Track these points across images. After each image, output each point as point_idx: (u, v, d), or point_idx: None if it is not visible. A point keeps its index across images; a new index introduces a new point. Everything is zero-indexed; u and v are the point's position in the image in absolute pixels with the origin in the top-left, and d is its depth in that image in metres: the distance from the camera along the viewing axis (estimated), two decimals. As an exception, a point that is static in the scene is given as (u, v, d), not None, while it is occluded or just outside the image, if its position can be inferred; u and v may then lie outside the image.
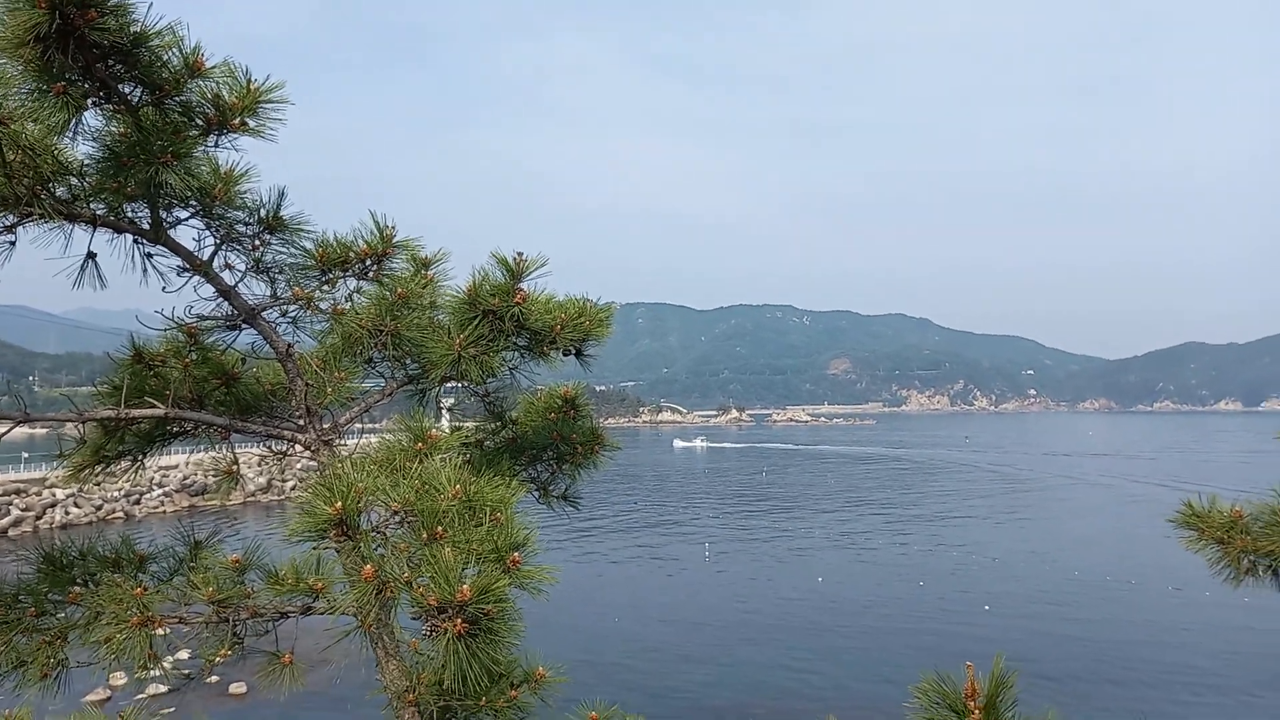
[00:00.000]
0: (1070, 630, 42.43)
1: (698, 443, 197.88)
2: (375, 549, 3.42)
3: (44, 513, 70.81)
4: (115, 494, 75.74)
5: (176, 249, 4.30)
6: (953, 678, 2.56)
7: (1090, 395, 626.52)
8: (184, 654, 4.81)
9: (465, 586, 2.75)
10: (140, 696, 27.12)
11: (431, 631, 2.80)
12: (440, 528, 3.14)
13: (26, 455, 71.62)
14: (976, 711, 2.46)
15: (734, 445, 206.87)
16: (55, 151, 3.68)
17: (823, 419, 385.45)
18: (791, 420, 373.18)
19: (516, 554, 3.01)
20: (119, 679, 28.56)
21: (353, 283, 4.89)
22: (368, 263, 4.85)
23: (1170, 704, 32.64)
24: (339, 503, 3.23)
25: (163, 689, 28.87)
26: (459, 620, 2.75)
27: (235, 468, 4.88)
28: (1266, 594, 4.60)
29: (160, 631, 4.01)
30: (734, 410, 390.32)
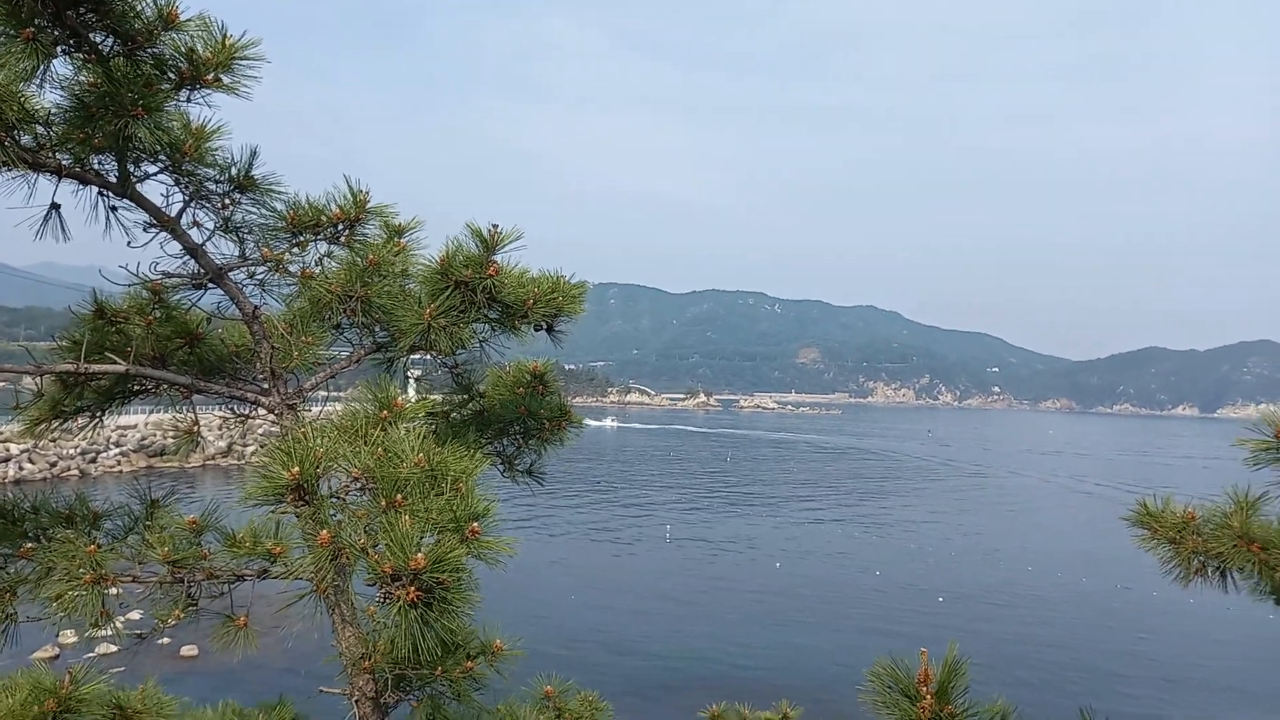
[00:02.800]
0: (1021, 622, 43.26)
1: (608, 422, 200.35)
2: (333, 515, 3.41)
3: (-3, 467, 69.70)
4: (71, 451, 74.63)
5: (143, 204, 4.23)
6: (906, 663, 2.60)
7: (1052, 395, 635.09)
8: (136, 614, 4.77)
9: (420, 554, 2.75)
10: (90, 655, 26.69)
11: (385, 598, 2.80)
12: (400, 495, 3.13)
13: (-19, 408, 70.44)
14: (929, 697, 2.50)
15: (643, 426, 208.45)
16: (21, 99, 3.59)
17: (789, 407, 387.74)
18: (759, 407, 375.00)
19: (476, 524, 3.01)
20: (68, 637, 28.26)
21: (324, 247, 4.83)
22: (340, 227, 4.79)
23: (1115, 694, 33.43)
24: (297, 467, 3.20)
25: (113, 649, 28.32)
26: (412, 588, 2.74)
27: (196, 429, 4.83)
28: (1213, 594, 4.71)
29: (113, 590, 3.97)
30: (702, 395, 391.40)
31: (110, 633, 4.16)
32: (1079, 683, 34.64)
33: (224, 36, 3.80)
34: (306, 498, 3.26)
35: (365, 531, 3.11)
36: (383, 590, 2.82)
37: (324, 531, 3.11)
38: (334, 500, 3.51)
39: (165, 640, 30.00)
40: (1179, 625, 43.27)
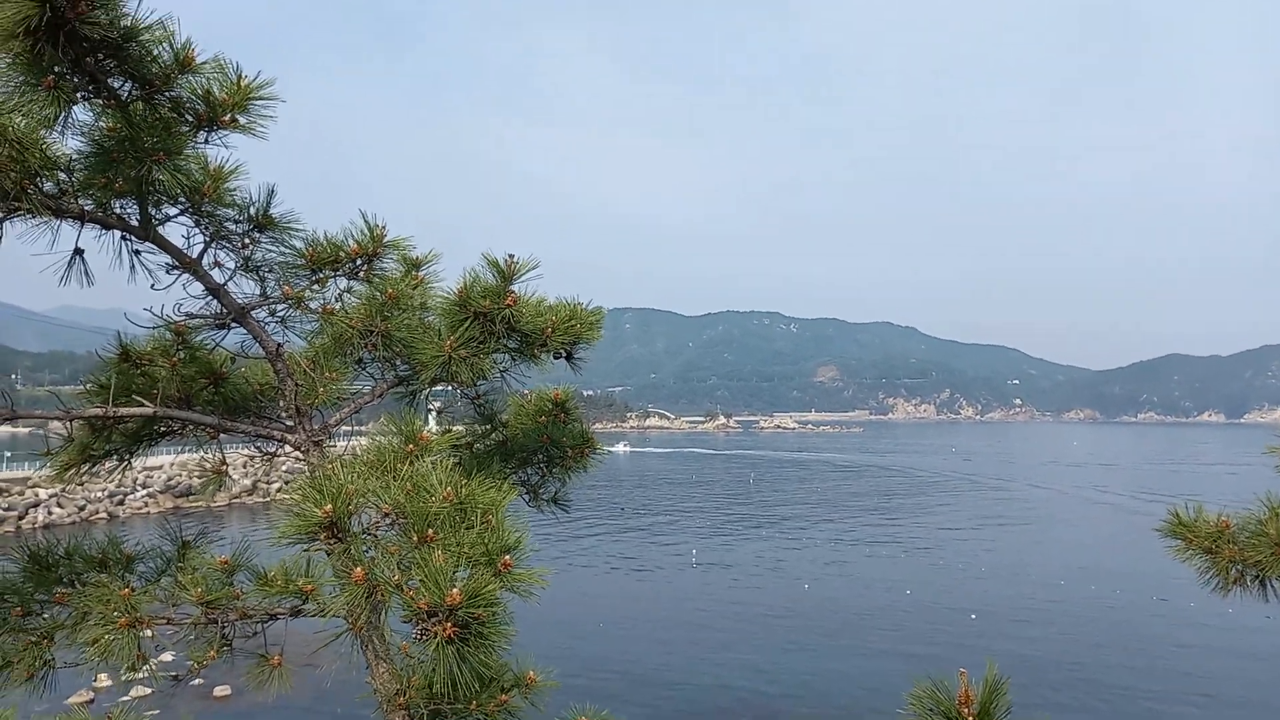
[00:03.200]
0: (1056, 639, 42.59)
1: (620, 448, 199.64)
2: (365, 552, 3.39)
3: (26, 513, 70.17)
4: (99, 494, 75.17)
5: (165, 246, 4.26)
6: (946, 684, 2.55)
7: (1075, 405, 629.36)
8: (168, 655, 4.76)
9: (455, 590, 2.73)
10: (125, 699, 26.88)
11: (422, 635, 2.78)
12: (431, 530, 3.11)
13: (9, 454, 71.03)
14: (971, 718, 2.45)
15: (657, 450, 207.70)
16: (43, 146, 3.64)
17: (810, 426, 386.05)
18: (779, 427, 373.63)
19: (508, 557, 2.98)
20: (103, 681, 28.34)
21: (343, 282, 4.86)
22: (358, 262, 4.81)
23: (1155, 712, 32.79)
24: (330, 504, 3.20)
25: (147, 691, 28.62)
26: (449, 624, 2.72)
27: (223, 468, 4.84)
28: (1251, 604, 4.61)
29: (147, 633, 3.96)
30: (721, 417, 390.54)
31: (145, 675, 4.15)
32: (1118, 701, 34.03)
33: (239, 77, 3.85)
34: (339, 535, 3.24)
35: (399, 567, 3.09)
36: (419, 627, 2.79)
37: (358, 569, 3.09)
38: (366, 537, 3.50)
39: (199, 681, 30.00)
40: (1218, 638, 42.48)
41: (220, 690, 30.77)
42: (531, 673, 4.38)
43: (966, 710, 2.44)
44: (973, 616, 46.58)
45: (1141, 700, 34.05)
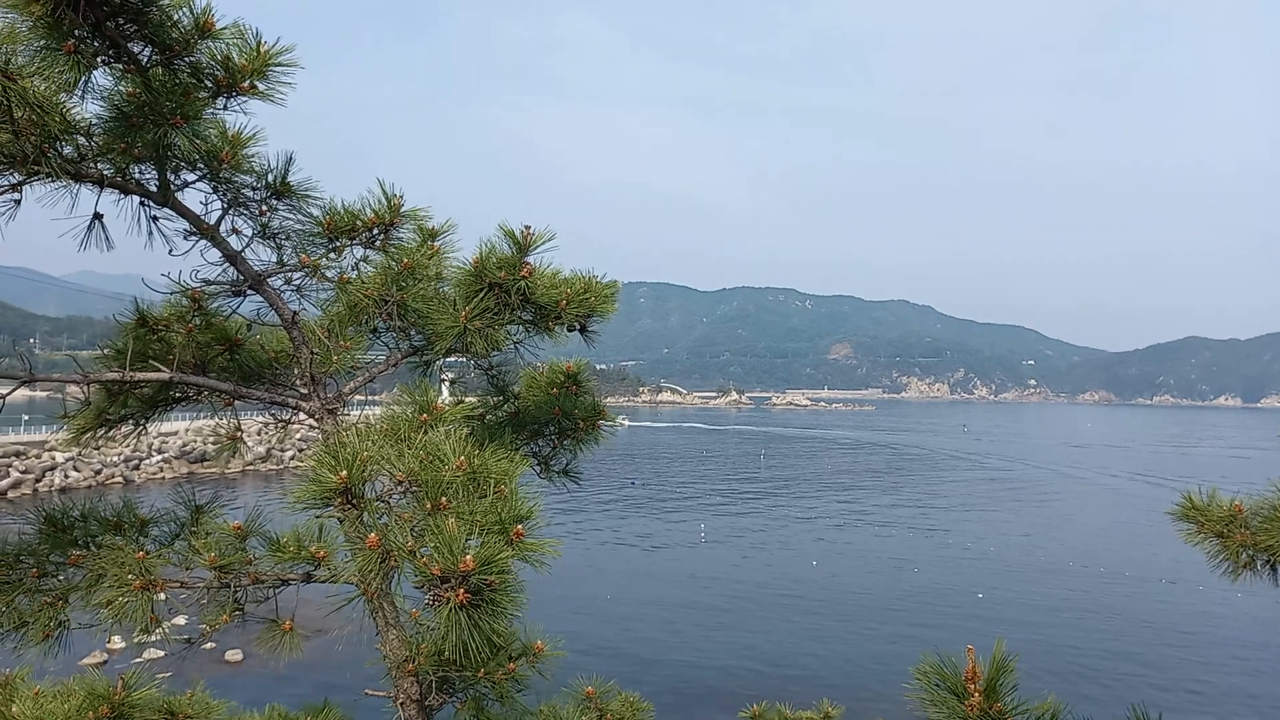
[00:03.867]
0: (1064, 617, 42.69)
1: (620, 421, 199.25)
2: (379, 518, 3.42)
3: (43, 475, 71.09)
4: (115, 459, 76.01)
5: (183, 212, 4.27)
6: (953, 660, 2.56)
7: (1090, 387, 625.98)
8: (181, 619, 4.82)
9: (469, 557, 2.75)
10: (137, 661, 27.23)
11: (434, 601, 2.80)
12: (444, 498, 3.13)
13: (26, 418, 71.78)
14: (977, 694, 2.46)
15: (653, 425, 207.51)
16: (63, 110, 3.64)
17: (822, 404, 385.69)
18: (791, 404, 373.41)
19: (520, 526, 3.00)
20: (116, 643, 28.77)
21: (359, 251, 4.86)
22: (375, 231, 4.81)
23: (1165, 691, 32.87)
24: (345, 471, 3.22)
25: (159, 654, 29.04)
26: (462, 590, 2.74)
27: (238, 434, 4.87)
28: (1262, 588, 4.61)
29: (160, 596, 4.01)
30: (734, 392, 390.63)
31: (158, 638, 4.21)
32: (1127, 679, 34.12)
33: (259, 43, 3.84)
34: (354, 501, 3.27)
35: (412, 535, 3.11)
36: (431, 593, 2.82)
37: (372, 535, 3.12)
38: (380, 504, 3.52)
39: (210, 645, 30.40)
40: (1227, 619, 42.46)
41: (232, 654, 31.22)
42: (539, 642, 4.43)
43: (973, 686, 2.45)
44: (979, 596, 46.71)
45: (1145, 682, 34.13)
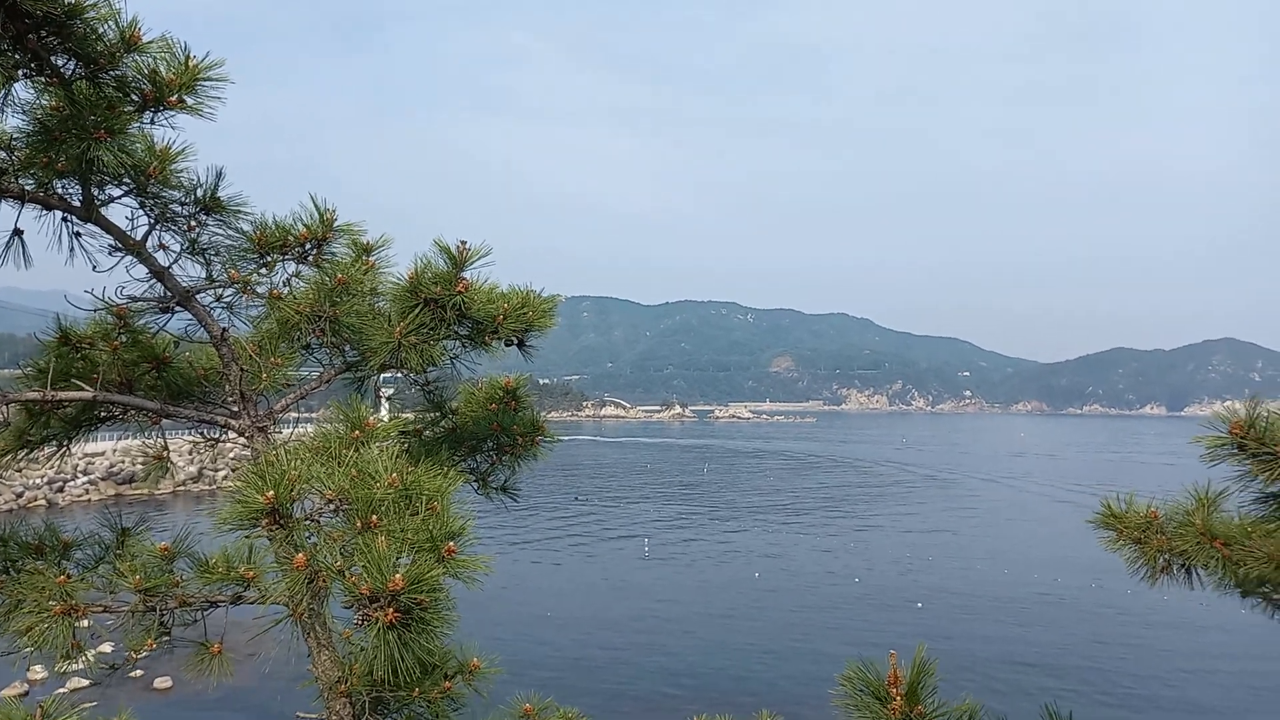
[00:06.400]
0: (1000, 625, 43.58)
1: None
2: (308, 538, 3.38)
3: (-39, 499, 68.34)
4: (37, 481, 73.35)
5: (108, 228, 4.19)
6: (876, 665, 2.63)
7: (1023, 397, 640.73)
8: (107, 646, 4.70)
9: (398, 575, 2.74)
10: (61, 691, 26.24)
11: (363, 621, 2.78)
12: (375, 516, 3.11)
13: (-56, 439, 69.02)
14: (899, 698, 2.52)
15: (597, 439, 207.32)
16: (-19, 123, 3.56)
17: (764, 416, 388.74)
18: (734, 417, 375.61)
19: (451, 543, 3.00)
20: (38, 673, 27.74)
21: (291, 267, 4.81)
22: (307, 246, 4.77)
23: (1085, 691, 33.76)
24: (271, 491, 3.18)
25: (84, 683, 27.98)
26: (391, 609, 2.73)
27: (165, 454, 4.77)
28: (1180, 591, 4.78)
29: (84, 623, 3.91)
30: (677, 406, 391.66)
31: (82, 666, 4.10)
32: (1052, 683, 34.94)
33: (187, 58, 3.78)
34: (281, 521, 3.23)
35: (341, 554, 3.09)
36: (360, 612, 2.80)
37: (299, 555, 3.09)
38: (309, 523, 3.48)
39: (138, 673, 29.51)
40: (1153, 622, 43.75)
41: (161, 682, 30.25)
42: (476, 660, 4.40)
43: (895, 690, 2.52)
44: (919, 605, 47.42)
45: (1074, 681, 35.03)
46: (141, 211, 4.37)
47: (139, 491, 76.00)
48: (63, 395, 4.25)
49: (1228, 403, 4.52)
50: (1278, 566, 3.96)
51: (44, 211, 4.01)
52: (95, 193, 4.10)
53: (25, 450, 4.70)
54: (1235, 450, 4.20)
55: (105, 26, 3.49)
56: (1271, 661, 35.92)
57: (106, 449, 78.48)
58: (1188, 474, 4.59)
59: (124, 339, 4.60)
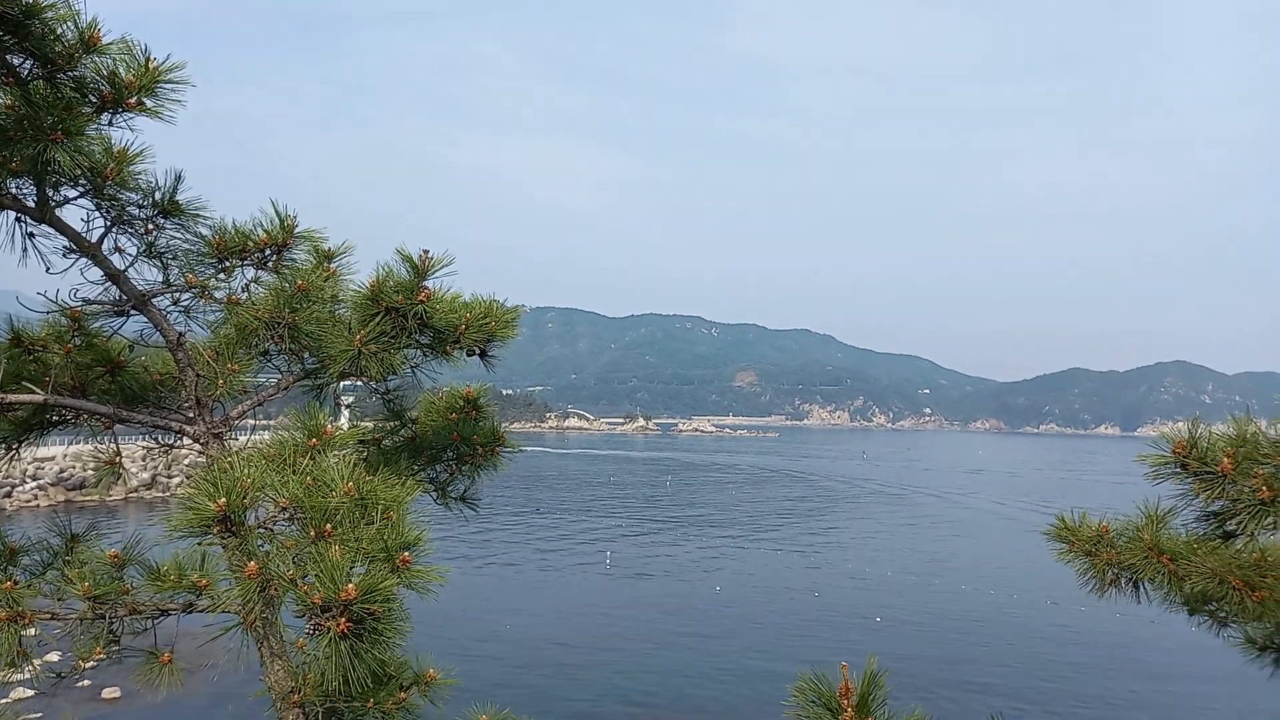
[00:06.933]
0: (956, 639, 44.03)
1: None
2: (261, 546, 3.34)
3: (-96, 503, 66.48)
4: (-15, 485, 71.60)
5: (63, 229, 4.13)
6: (828, 677, 2.66)
7: (982, 415, 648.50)
8: (54, 655, 4.60)
9: (351, 585, 2.72)
10: (4, 700, 25.67)
11: (315, 631, 2.76)
12: (329, 525, 3.09)
13: (-113, 442, 67.15)
14: (849, 709, 2.55)
15: (559, 450, 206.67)
16: (-67, 121, 3.50)
17: (727, 430, 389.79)
18: (697, 430, 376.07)
19: (406, 554, 2.98)
20: (-19, 681, 27.01)
21: (251, 272, 4.76)
22: (267, 252, 4.72)
23: (1031, 710, 34.18)
24: (223, 498, 3.14)
25: (29, 692, 27.38)
26: (343, 619, 2.71)
27: (118, 460, 4.70)
28: (1136, 606, 4.88)
29: (30, 631, 3.83)
30: (640, 419, 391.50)
31: (27, 675, 4.01)
32: (1002, 700, 35.38)
33: (147, 60, 3.75)
34: (233, 529, 3.19)
35: (294, 562, 3.06)
36: (312, 622, 2.77)
37: (251, 563, 3.05)
38: (262, 531, 3.44)
39: (86, 682, 28.87)
40: (1104, 642, 44.41)
41: (109, 692, 29.62)
42: (431, 670, 4.37)
43: (846, 702, 2.55)
44: (878, 619, 47.76)
45: (1023, 699, 35.45)
46: (98, 213, 4.30)
47: (90, 498, 74.43)
48: (13, 397, 4.18)
49: (1178, 423, 4.65)
50: (1220, 582, 4.06)
51: (-3, 211, 3.94)
52: (50, 193, 4.03)
53: (-28, 453, 4.61)
54: (1178, 469, 4.32)
55: (64, 27, 3.45)
56: (1219, 683, 36.57)
57: (57, 454, 76.83)
58: (1139, 492, 4.69)
59: (78, 342, 4.53)
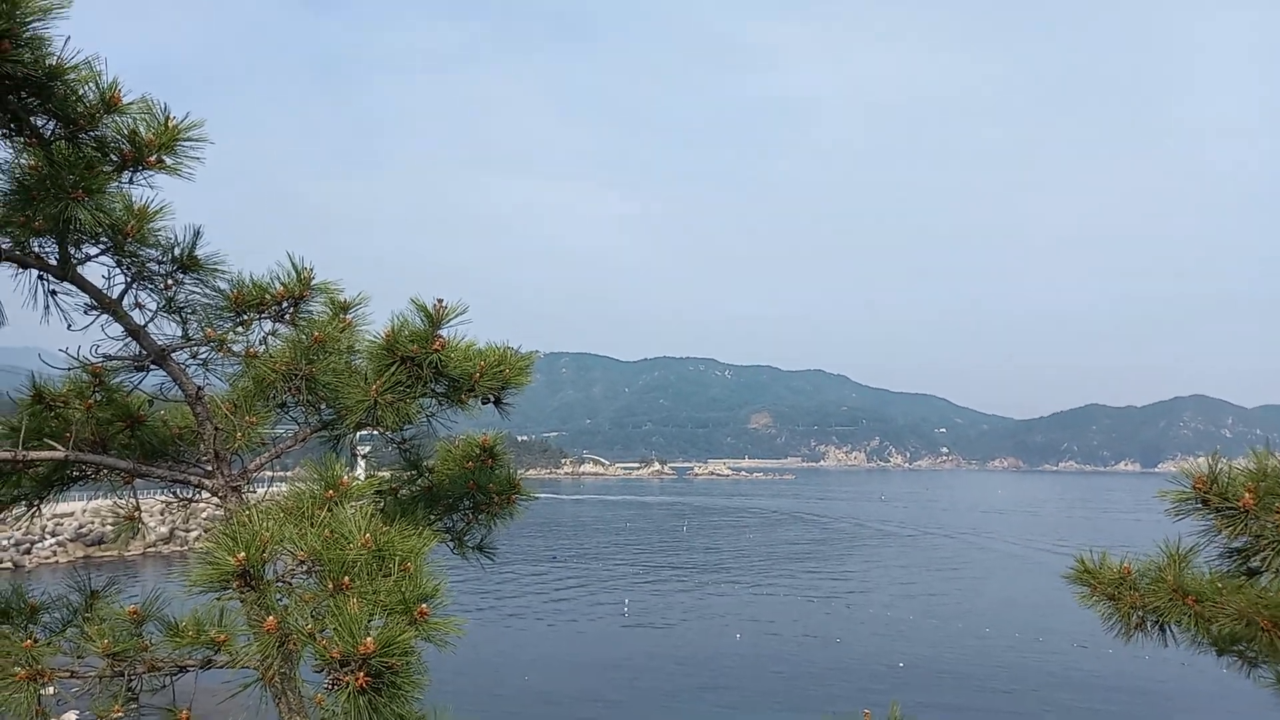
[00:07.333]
0: (981, 684, 43.21)
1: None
2: (280, 600, 3.33)
3: (-76, 561, 66.63)
4: (4, 542, 71.76)
5: (85, 286, 4.18)
6: (853, 726, 2.61)
7: (1000, 454, 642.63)
8: (72, 715, 4.57)
9: (369, 639, 2.70)
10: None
11: (333, 685, 2.73)
12: (347, 578, 3.07)
13: (-92, 499, 67.49)
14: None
15: (576, 497, 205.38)
16: (-41, 183, 3.57)
17: (743, 473, 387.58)
18: (713, 474, 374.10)
19: (424, 605, 2.96)
20: (-2, 740, 26.84)
21: (268, 325, 4.80)
22: (284, 305, 4.76)
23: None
24: (243, 552, 3.14)
25: (46, 751, 27.14)
26: (361, 674, 2.68)
27: (137, 514, 4.70)
28: (1157, 653, 4.77)
29: (49, 689, 3.81)
30: (656, 463, 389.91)
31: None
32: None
33: (166, 118, 3.82)
34: (252, 583, 3.18)
35: (312, 616, 3.04)
36: (331, 676, 2.75)
37: (270, 618, 3.04)
38: (280, 585, 3.43)
39: (101, 739, 28.62)
40: (1135, 681, 43.46)
41: (128, 749, 29.36)
42: (450, 724, 4.31)
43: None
44: (900, 665, 46.96)
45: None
46: (118, 270, 4.36)
47: (108, 553, 74.45)
48: (35, 455, 4.20)
49: (1200, 458, 4.57)
50: (1248, 623, 3.97)
51: (20, 270, 4.00)
52: (72, 251, 4.09)
53: (-7, 511, 4.63)
54: (1199, 505, 4.24)
55: (86, 88, 3.53)
56: None
57: (76, 509, 77.05)
58: (1160, 529, 4.61)
59: (98, 397, 4.57)
